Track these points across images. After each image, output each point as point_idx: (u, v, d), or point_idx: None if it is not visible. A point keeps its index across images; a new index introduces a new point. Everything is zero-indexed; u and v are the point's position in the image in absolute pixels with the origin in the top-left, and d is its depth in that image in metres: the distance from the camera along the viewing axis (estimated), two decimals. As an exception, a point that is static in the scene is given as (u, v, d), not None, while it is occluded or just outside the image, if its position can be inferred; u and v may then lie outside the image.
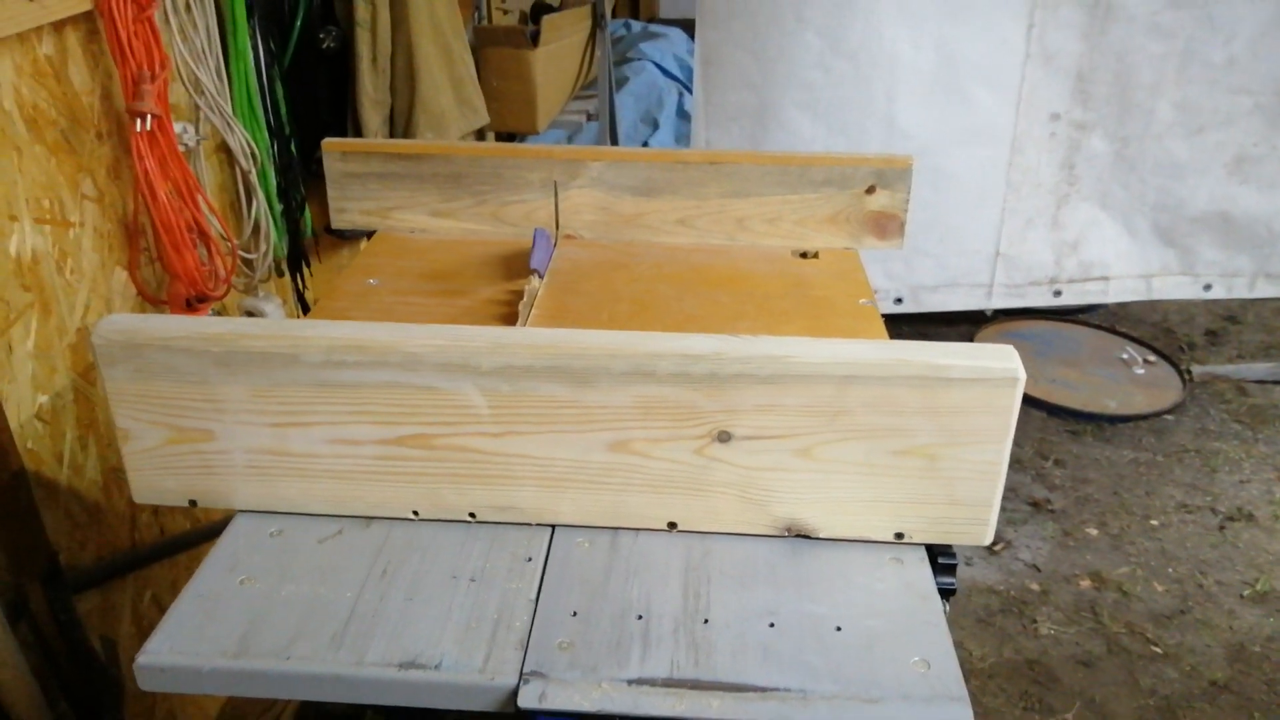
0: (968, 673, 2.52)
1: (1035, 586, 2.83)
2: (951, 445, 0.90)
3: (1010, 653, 2.59)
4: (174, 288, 1.73)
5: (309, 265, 2.21)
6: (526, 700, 0.79)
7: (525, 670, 0.81)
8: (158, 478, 0.98)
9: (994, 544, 2.97)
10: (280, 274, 2.16)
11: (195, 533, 1.93)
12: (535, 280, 1.36)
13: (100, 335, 0.91)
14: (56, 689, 1.41)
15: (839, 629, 0.86)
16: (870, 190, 1.52)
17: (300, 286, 2.21)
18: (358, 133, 2.15)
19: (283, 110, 2.02)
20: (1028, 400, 3.62)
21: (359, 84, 2.08)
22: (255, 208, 1.89)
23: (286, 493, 0.98)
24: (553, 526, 0.98)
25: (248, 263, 1.92)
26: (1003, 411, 0.88)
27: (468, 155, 1.53)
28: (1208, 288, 2.69)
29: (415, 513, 0.98)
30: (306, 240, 2.19)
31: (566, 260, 1.49)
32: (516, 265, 1.47)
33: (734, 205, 1.54)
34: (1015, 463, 3.34)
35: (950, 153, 2.51)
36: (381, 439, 0.94)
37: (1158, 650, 2.60)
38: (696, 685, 0.80)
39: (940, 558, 0.97)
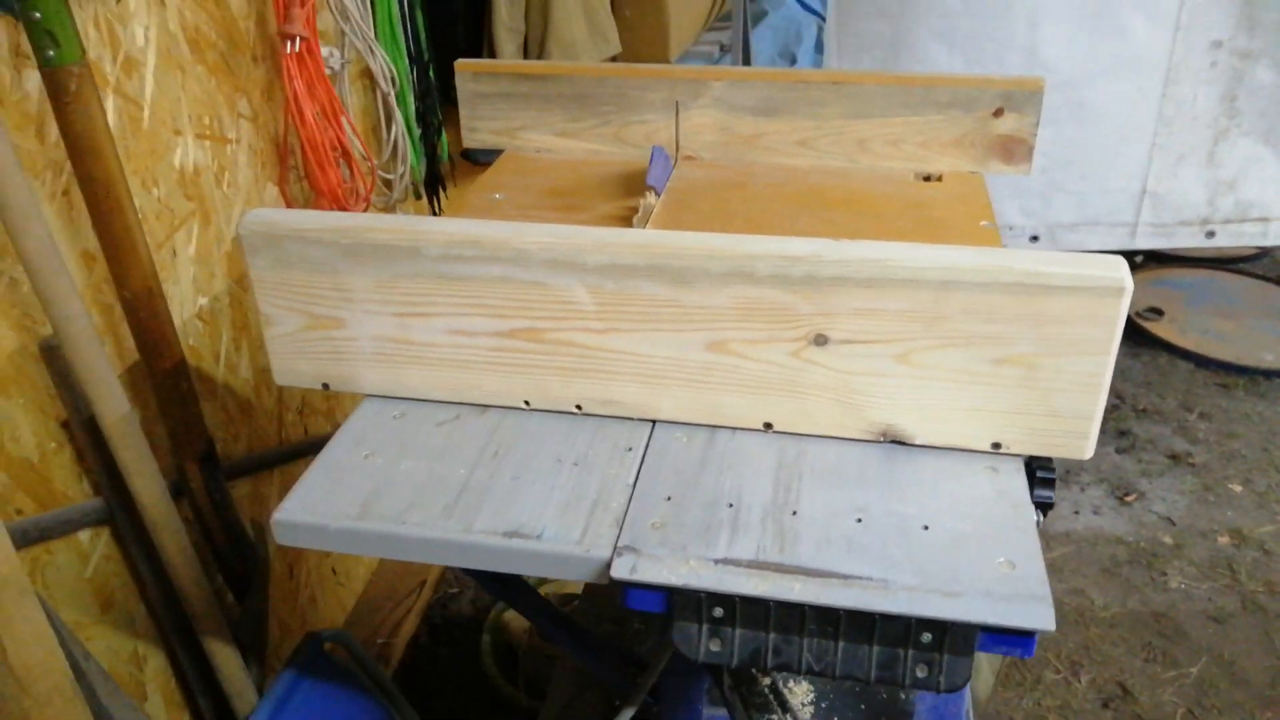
0: (1089, 620, 2.47)
1: (1168, 540, 2.73)
2: (1052, 355, 0.90)
3: (1136, 604, 2.52)
4: (318, 203, 1.84)
5: (444, 188, 2.30)
6: (619, 571, 0.84)
7: (619, 544, 0.86)
8: (294, 361, 1.07)
9: (1126, 494, 2.87)
10: (418, 196, 2.26)
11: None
12: (651, 197, 1.40)
13: (245, 226, 1.00)
14: (212, 563, 1.56)
15: (926, 528, 0.88)
16: (998, 113, 1.48)
17: (435, 208, 2.30)
18: (492, 59, 2.21)
19: (422, 37, 2.09)
20: (1173, 350, 3.45)
21: (494, 11, 2.14)
22: (394, 130, 1.98)
23: (409, 379, 1.05)
24: (653, 422, 1.03)
25: (386, 183, 2.02)
26: (1107, 322, 0.87)
27: (593, 76, 1.57)
28: (1380, 232, 2.49)
29: (526, 403, 1.04)
30: (443, 164, 2.28)
31: (684, 180, 1.52)
32: (636, 184, 1.51)
33: (855, 126, 1.53)
34: (1156, 414, 3.21)
35: (1096, 85, 2.39)
36: (495, 331, 1.00)
37: (1297, 612, 2.48)
38: (780, 569, 0.84)
39: (1039, 471, 0.96)
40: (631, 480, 0.94)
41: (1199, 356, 3.41)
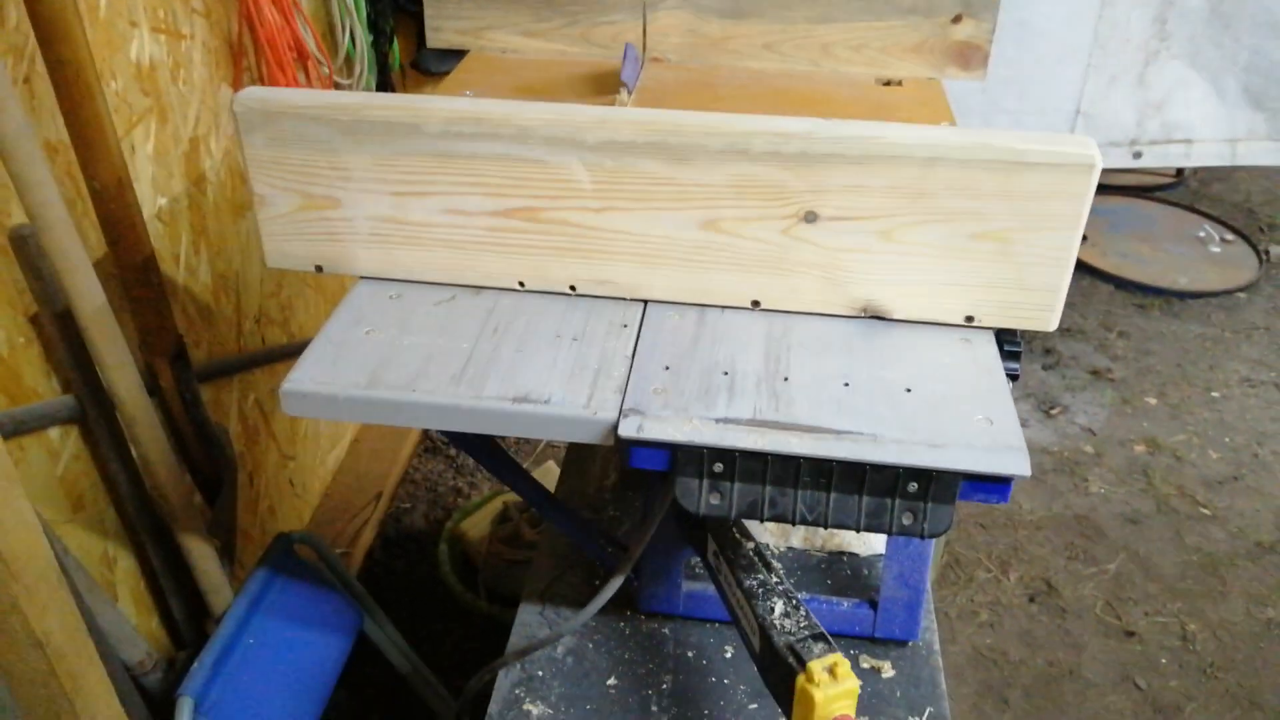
0: (1017, 523, 2.62)
1: (1089, 449, 2.89)
2: (1025, 230, 0.96)
3: (1060, 508, 2.68)
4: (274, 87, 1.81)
5: (396, 99, 2.27)
6: (626, 430, 0.89)
7: (624, 407, 0.91)
8: (288, 243, 1.08)
9: (1050, 408, 3.02)
10: (369, 106, 2.23)
11: (292, 345, 2.06)
12: (624, 94, 1.42)
13: (241, 103, 0.99)
14: (183, 461, 1.56)
15: (909, 390, 0.94)
16: (956, 19, 1.53)
17: (388, 120, 2.27)
18: (445, -35, 2.17)
19: (374, -62, 2.05)
20: (1095, 273, 3.61)
21: (448, -86, 2.10)
22: (349, 34, 1.95)
23: (404, 260, 1.07)
24: (645, 302, 1.06)
25: (339, 88, 1.99)
26: (1077, 198, 0.93)
27: (560, -25, 1.57)
28: (1295, 154, 2.64)
29: (521, 283, 1.07)
30: (394, 73, 2.25)
31: (653, 81, 1.54)
32: (605, 83, 1.52)
33: (820, 31, 1.57)
34: (1078, 332, 3.37)
35: (1036, 5, 2.46)
36: (492, 210, 1.02)
37: (1206, 512, 2.67)
38: (778, 425, 0.89)
39: (1006, 344, 1.03)
40: (629, 353, 0.98)
41: (1118, 279, 3.58)
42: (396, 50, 2.22)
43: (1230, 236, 3.82)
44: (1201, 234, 3.81)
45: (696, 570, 1.32)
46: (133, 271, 1.37)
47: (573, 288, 1.06)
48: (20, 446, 1.32)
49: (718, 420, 0.89)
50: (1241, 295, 3.54)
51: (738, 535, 1.08)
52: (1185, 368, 3.22)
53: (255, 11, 1.68)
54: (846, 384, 0.95)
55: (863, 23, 1.55)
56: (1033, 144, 0.92)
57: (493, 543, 2.19)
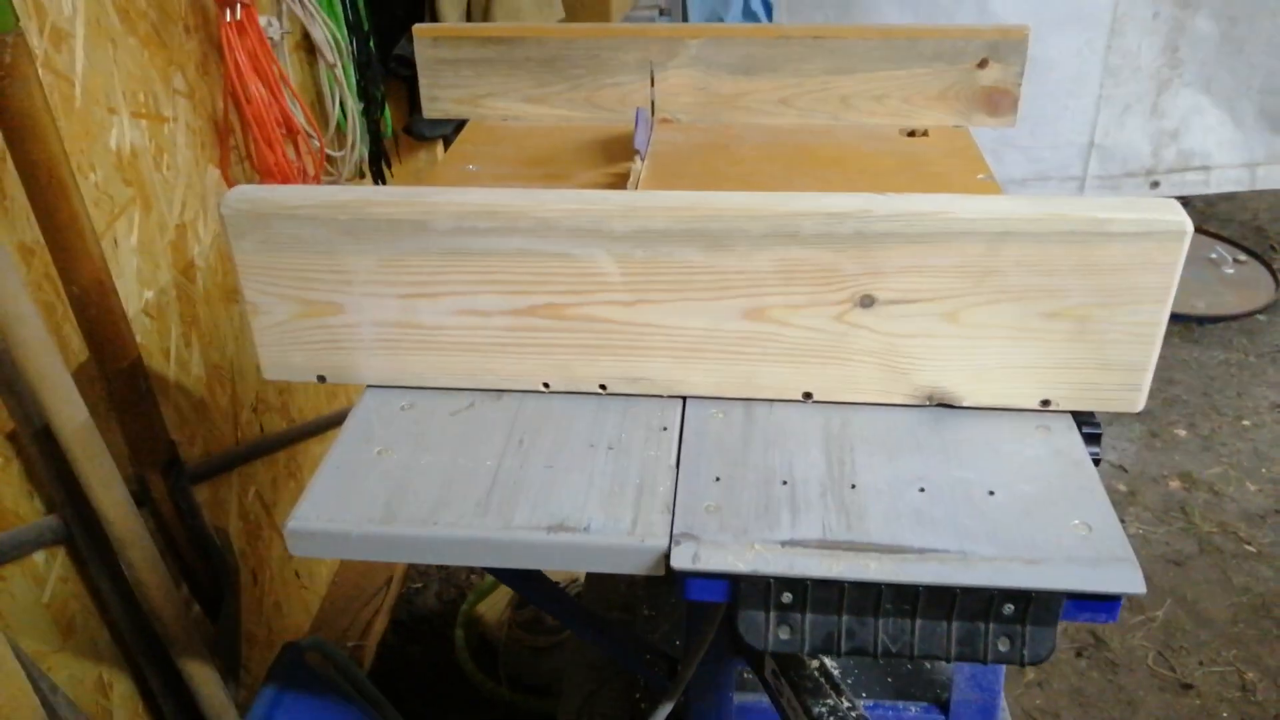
0: (1055, 572, 2.50)
1: (1122, 487, 2.78)
2: (1106, 306, 0.86)
3: (1098, 553, 2.56)
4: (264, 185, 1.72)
5: (389, 165, 2.19)
6: (680, 560, 0.78)
7: (675, 532, 0.80)
8: (286, 353, 0.98)
9: (1079, 446, 2.91)
10: (361, 175, 2.14)
11: (293, 431, 1.96)
12: (638, 162, 1.33)
13: (228, 205, 0.90)
14: (178, 573, 1.44)
15: (991, 493, 0.84)
16: (982, 64, 1.45)
17: (384, 183, 2.19)
18: (435, 28, 2.10)
19: (360, 4, 1.97)
20: (1112, 302, 3.52)
21: (436, -24, 2.03)
22: (339, 104, 1.87)
23: (415, 366, 0.97)
24: (683, 398, 0.96)
25: (331, 161, 1.91)
26: (1166, 268, 0.84)
27: (561, 38, 1.48)
28: (1317, 176, 2.56)
29: (546, 385, 0.97)
30: (386, 140, 2.16)
31: (665, 144, 1.45)
32: (613, 149, 1.44)
33: (838, 82, 1.48)
34: (1099, 365, 3.27)
35: (1045, 39, 2.39)
36: (511, 309, 0.92)
37: (1251, 549, 2.56)
38: (852, 547, 0.78)
39: (1085, 426, 0.93)
40: (673, 462, 0.88)
41: (1135, 306, 3.48)
42: (389, 117, 2.13)
43: (1243, 257, 3.74)
44: (1214, 255, 3.73)
45: (747, 677, 1.21)
46: (119, 378, 1.27)
47: (603, 386, 0.96)
48: (1, 577, 1.21)
49: (783, 543, 0.79)
50: (1261, 318, 3.45)
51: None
52: (1212, 396, 3.13)
53: (240, 88, 1.59)
54: (922, 489, 0.84)
55: (884, 72, 1.46)
56: (1114, 213, 0.82)
57: (512, 628, 2.07)
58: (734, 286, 0.89)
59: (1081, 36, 2.37)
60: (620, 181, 1.33)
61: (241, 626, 1.57)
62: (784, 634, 0.80)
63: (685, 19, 2.83)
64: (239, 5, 1.52)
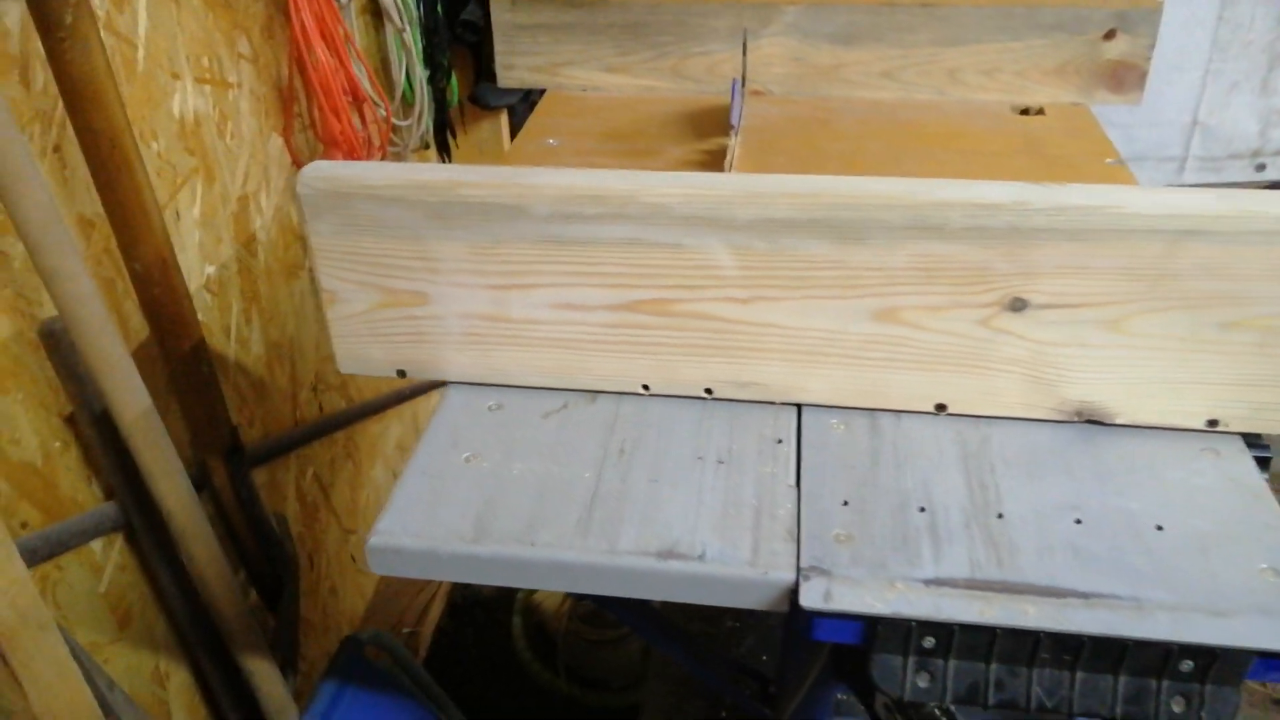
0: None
1: None
2: (1297, 316, 0.75)
3: None
4: (329, 155, 1.64)
5: (455, 136, 2.10)
6: (810, 599, 0.69)
7: (803, 565, 0.71)
8: (364, 346, 0.90)
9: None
10: (425, 146, 2.06)
11: (352, 411, 1.90)
12: (733, 138, 1.22)
13: (305, 184, 0.81)
14: (237, 560, 1.39)
15: (1160, 528, 0.74)
16: (1109, 35, 1.32)
17: (445, 158, 2.11)
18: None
19: (428, -34, 1.88)
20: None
21: (507, -64, 1.92)
22: (405, 71, 1.78)
23: (504, 363, 0.88)
24: (798, 406, 0.87)
25: (396, 130, 1.82)
26: (1373, 275, 0.73)
27: (648, 2, 1.38)
28: None
29: (645, 387, 0.88)
30: (451, 110, 2.07)
31: (757, 117, 1.35)
32: (703, 123, 1.34)
33: (946, 55, 1.36)
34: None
35: (1148, 8, 2.23)
36: (613, 304, 0.83)
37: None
38: (1006, 588, 0.69)
39: (1252, 449, 0.82)
40: (793, 480, 0.79)
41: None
42: (455, 86, 2.04)
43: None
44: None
45: (842, 699, 1.12)
46: (181, 361, 1.20)
47: (709, 391, 0.87)
48: (58, 566, 1.15)
49: (927, 582, 0.70)
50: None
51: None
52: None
53: (307, 53, 1.51)
54: (1078, 520, 0.75)
55: (997, 43, 1.34)
56: (1320, 210, 0.71)
57: (571, 620, 2.00)
58: (865, 284, 0.79)
59: (1189, 7, 2.21)
60: (714, 159, 1.23)
61: (300, 618, 1.51)
62: (923, 682, 0.70)
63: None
64: (308, -36, 1.43)
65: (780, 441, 0.83)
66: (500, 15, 1.42)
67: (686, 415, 0.86)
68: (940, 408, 0.84)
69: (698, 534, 0.74)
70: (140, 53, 1.25)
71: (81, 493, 1.20)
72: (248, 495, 1.33)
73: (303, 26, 1.47)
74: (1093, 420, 0.83)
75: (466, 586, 2.35)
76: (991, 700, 0.70)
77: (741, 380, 0.86)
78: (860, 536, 0.73)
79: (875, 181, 0.76)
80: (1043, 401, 0.82)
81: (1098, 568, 0.70)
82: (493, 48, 2.06)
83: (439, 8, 1.92)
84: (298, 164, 1.65)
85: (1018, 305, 0.78)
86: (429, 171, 0.80)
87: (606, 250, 0.81)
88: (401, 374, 0.91)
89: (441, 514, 0.77)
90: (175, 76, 1.34)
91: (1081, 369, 0.80)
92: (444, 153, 2.08)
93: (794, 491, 0.78)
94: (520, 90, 2.21)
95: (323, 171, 0.81)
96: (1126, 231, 0.73)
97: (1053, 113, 1.35)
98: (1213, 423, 0.81)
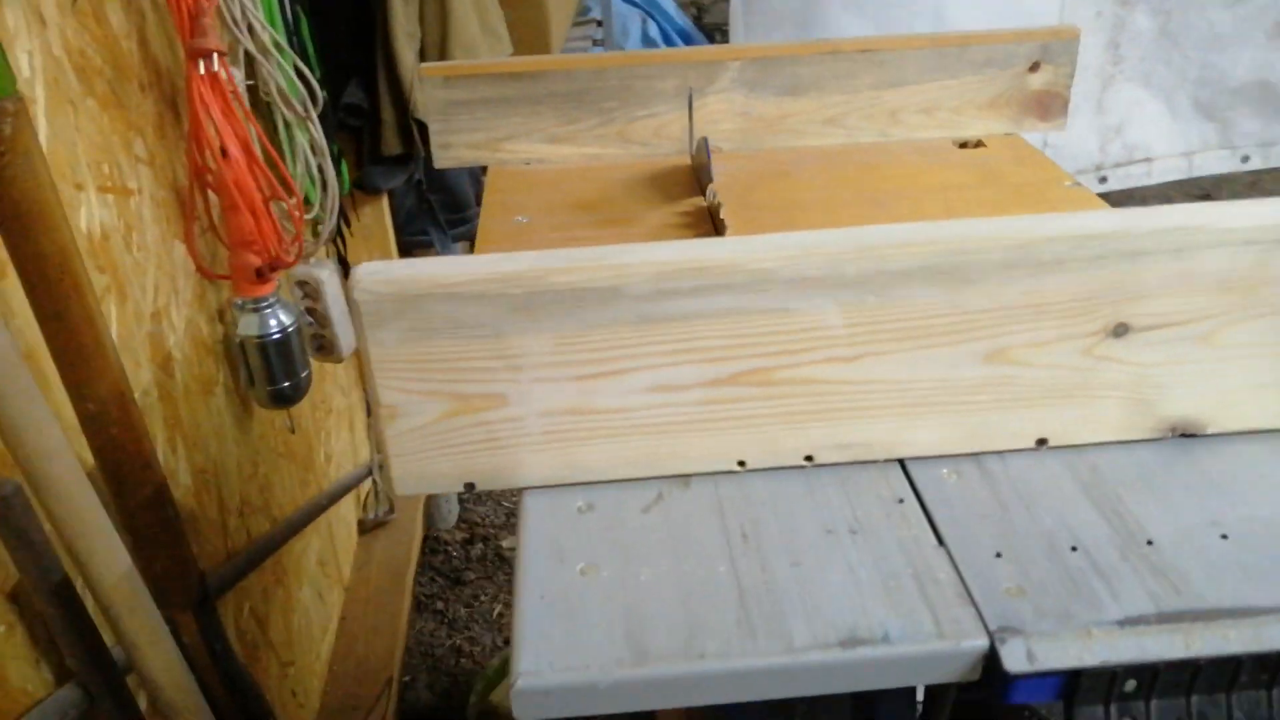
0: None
1: None
2: (1369, 310, 0.79)
3: None
4: (239, 258, 1.50)
5: (349, 225, 1.98)
6: (1013, 662, 0.65)
7: (992, 628, 0.67)
8: (429, 461, 0.80)
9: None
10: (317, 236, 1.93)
11: (279, 532, 1.73)
12: (712, 193, 1.20)
13: (364, 289, 0.72)
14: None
15: (1301, 531, 0.75)
16: (1034, 68, 1.39)
17: (341, 249, 1.98)
18: (390, 71, 1.91)
19: (309, 49, 1.77)
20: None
21: (391, 15, 1.85)
22: (305, 160, 1.66)
23: (587, 459, 0.81)
24: (899, 461, 0.84)
25: (307, 225, 1.69)
26: None
27: (592, 68, 1.34)
28: (1245, 159, 2.65)
29: (741, 463, 0.82)
30: (344, 198, 1.95)
31: (720, 175, 1.33)
32: (666, 186, 1.30)
33: (887, 96, 1.39)
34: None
35: (991, 43, 2.39)
36: (711, 379, 0.78)
37: None
38: (1198, 616, 0.67)
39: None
40: (935, 541, 0.75)
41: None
42: (345, 173, 1.93)
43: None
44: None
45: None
46: (142, 507, 1.05)
47: (809, 458, 0.83)
48: (21, 773, 0.97)
49: (1120, 623, 0.67)
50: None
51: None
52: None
53: (210, 149, 1.38)
54: (1224, 535, 0.74)
55: (935, 82, 1.38)
56: (1390, 208, 0.75)
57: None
58: (976, 327, 0.77)
59: (1029, 39, 2.38)
60: (697, 220, 1.20)
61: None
62: (1127, 729, 0.68)
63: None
64: (215, 54, 1.31)
65: (902, 501, 0.79)
66: (433, 93, 1.34)
67: (792, 487, 0.81)
68: (1041, 442, 0.83)
69: (871, 615, 0.69)
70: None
71: (33, 680, 1.02)
72: (222, 649, 1.17)
73: (203, 123, 1.34)
74: (1186, 434, 0.84)
75: (400, 699, 2.18)
76: (1197, 735, 0.68)
77: (843, 442, 0.82)
78: (1031, 588, 0.70)
79: (983, 224, 0.75)
80: (1141, 422, 0.83)
81: (1271, 581, 0.70)
82: (377, 130, 1.97)
83: (325, 92, 1.81)
84: (203, 272, 1.50)
85: (1120, 331, 0.78)
86: (511, 262, 0.73)
87: (706, 324, 0.75)
88: (470, 487, 0.82)
89: (585, 640, 0.68)
90: (79, 188, 1.19)
91: (1177, 385, 0.81)
92: (340, 243, 1.95)
93: (942, 552, 0.74)
94: (400, 173, 2.12)
95: (385, 274, 0.72)
96: (1223, 246, 0.75)
97: (991, 144, 1.40)
98: (1294, 420, 0.84)
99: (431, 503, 2.66)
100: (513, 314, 0.73)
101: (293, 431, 1.85)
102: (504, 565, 2.61)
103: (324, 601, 2.09)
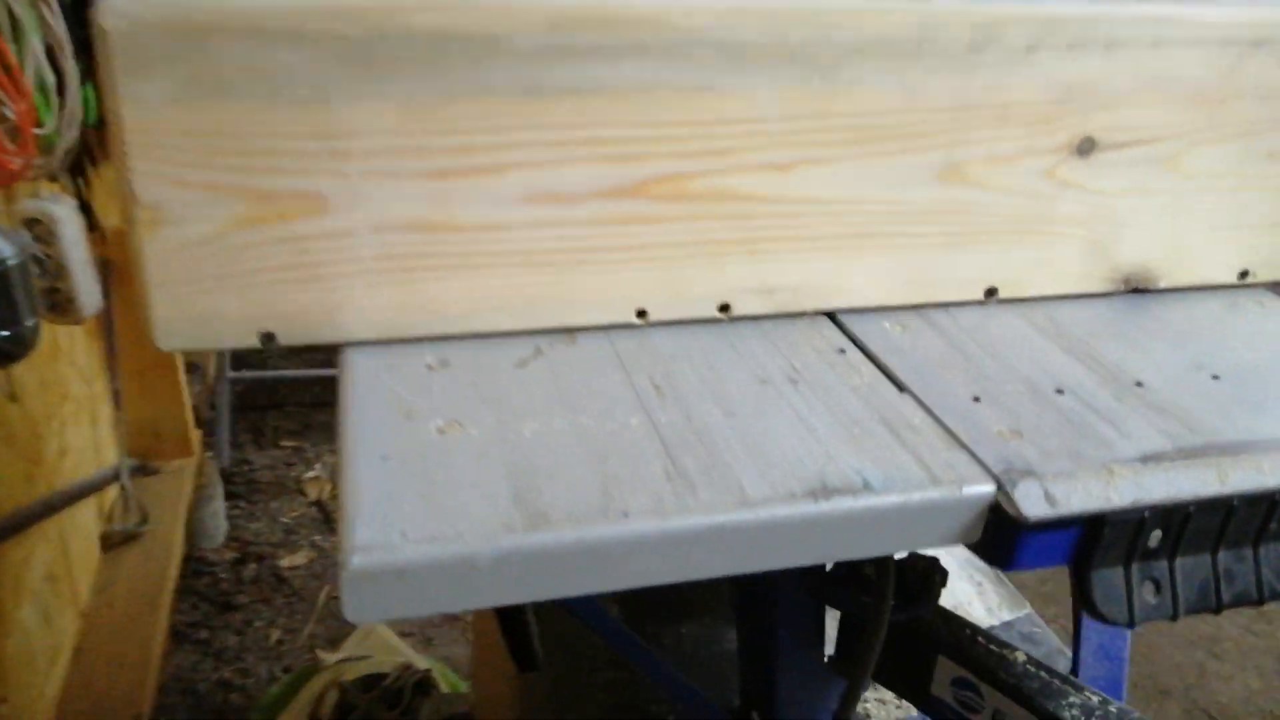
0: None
1: None
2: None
3: None
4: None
5: (95, 161, 1.64)
6: (1030, 506, 0.50)
7: (995, 470, 0.52)
8: (209, 296, 0.56)
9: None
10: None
11: (-4, 528, 1.37)
12: None
13: (118, 11, 0.49)
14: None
15: (1288, 373, 0.65)
16: None
17: (83, 190, 1.64)
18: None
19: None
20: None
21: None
22: (38, 60, 1.34)
23: (439, 298, 0.59)
24: (829, 314, 0.68)
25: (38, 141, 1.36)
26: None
27: None
28: None
29: (641, 313, 0.64)
30: (87, 128, 1.62)
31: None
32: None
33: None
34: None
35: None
36: (610, 188, 0.59)
37: None
38: (1223, 450, 0.55)
39: (1267, 303, 0.78)
40: (894, 389, 0.60)
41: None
42: (92, 98, 1.60)
43: None
44: None
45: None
46: None
47: (724, 308, 0.65)
48: None
49: (1143, 460, 0.53)
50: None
51: (984, 642, 0.71)
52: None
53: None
54: (1215, 376, 0.63)
55: None
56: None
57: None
58: (932, 133, 0.63)
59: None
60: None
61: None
62: (1150, 596, 0.54)
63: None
64: None
65: (843, 351, 0.63)
66: None
67: (707, 342, 0.63)
68: (990, 293, 0.70)
69: (840, 461, 0.52)
70: None
71: None
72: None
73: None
74: (1138, 289, 0.73)
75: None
76: (1226, 598, 0.55)
77: (766, 287, 0.65)
78: (1028, 429, 0.56)
79: (945, -6, 0.61)
80: (1096, 270, 0.71)
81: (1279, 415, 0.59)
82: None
83: (66, -6, 1.50)
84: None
85: (1085, 147, 0.66)
86: (344, -16, 0.51)
87: (609, 103, 0.57)
88: (268, 339, 0.58)
89: (453, 503, 0.47)
90: None
91: (1135, 224, 0.71)
92: (81, 181, 1.61)
93: (908, 398, 0.58)
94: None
95: (149, -10, 0.49)
96: (1200, 42, 0.65)
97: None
98: (1243, 274, 0.75)
99: (194, 517, 2.28)
100: (344, 67, 0.52)
101: (13, 399, 1.48)
102: (283, 587, 2.28)
103: (51, 626, 1.70)
